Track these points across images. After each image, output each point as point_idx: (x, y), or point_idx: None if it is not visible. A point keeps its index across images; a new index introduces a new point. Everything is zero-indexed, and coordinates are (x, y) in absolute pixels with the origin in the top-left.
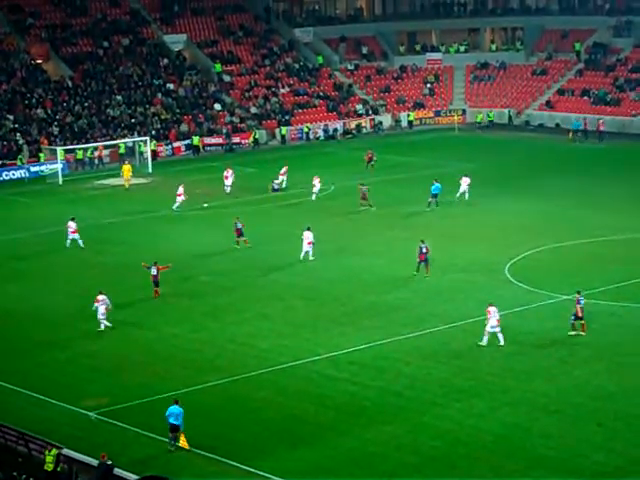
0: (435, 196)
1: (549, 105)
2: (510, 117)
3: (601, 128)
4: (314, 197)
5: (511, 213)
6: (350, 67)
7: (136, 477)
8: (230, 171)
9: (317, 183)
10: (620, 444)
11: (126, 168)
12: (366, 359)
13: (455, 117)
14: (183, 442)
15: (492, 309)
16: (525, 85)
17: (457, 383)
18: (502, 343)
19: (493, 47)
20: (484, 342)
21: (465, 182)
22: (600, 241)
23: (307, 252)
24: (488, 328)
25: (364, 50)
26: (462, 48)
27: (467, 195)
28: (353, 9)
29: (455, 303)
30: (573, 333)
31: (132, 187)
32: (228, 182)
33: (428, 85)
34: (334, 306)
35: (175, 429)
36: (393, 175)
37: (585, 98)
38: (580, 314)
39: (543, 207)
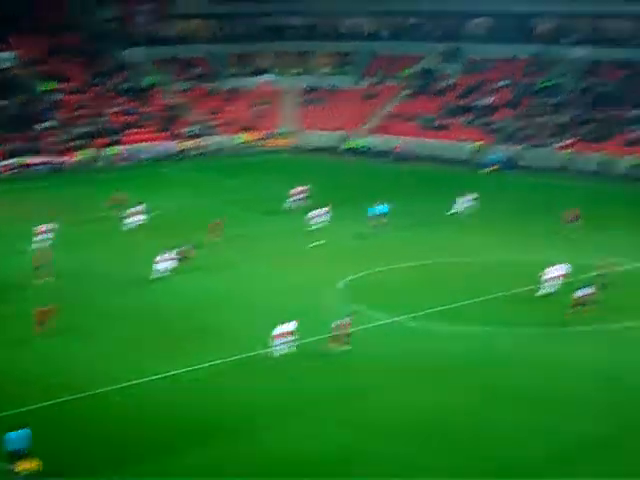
0: (382, 215)
1: (379, 129)
2: (341, 140)
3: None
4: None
5: (343, 236)
6: (181, 88)
7: None
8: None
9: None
10: (439, 467)
11: None
12: (186, 382)
13: (285, 140)
14: (29, 465)
15: (285, 326)
16: (355, 109)
17: (283, 403)
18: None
19: (324, 71)
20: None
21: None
22: (427, 264)
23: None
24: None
25: (195, 71)
26: (293, 71)
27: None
28: (185, 30)
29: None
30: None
31: None
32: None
33: (259, 107)
34: (161, 328)
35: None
36: (228, 196)
37: (414, 123)
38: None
39: (374, 230)
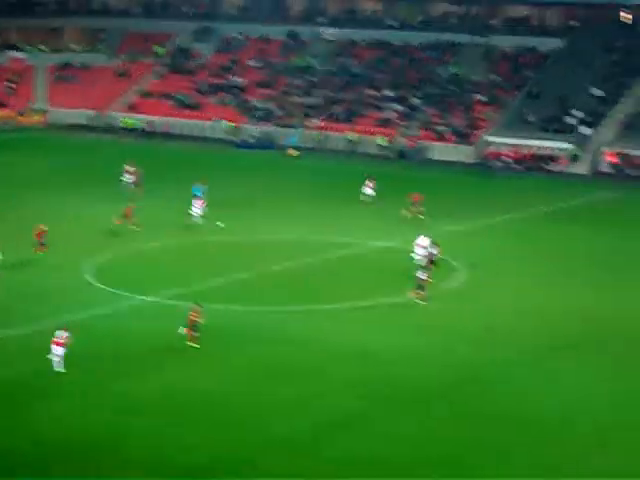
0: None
1: (132, 107)
2: (94, 118)
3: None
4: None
5: (90, 216)
6: None
7: None
8: None
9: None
10: (206, 443)
11: None
12: None
13: (39, 117)
14: None
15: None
16: (108, 87)
17: (35, 384)
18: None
19: (76, 48)
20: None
21: None
22: (191, 242)
23: None
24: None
25: None
26: (43, 48)
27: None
28: None
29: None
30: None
31: None
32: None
33: (10, 84)
34: None
35: None
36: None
37: (167, 101)
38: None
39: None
